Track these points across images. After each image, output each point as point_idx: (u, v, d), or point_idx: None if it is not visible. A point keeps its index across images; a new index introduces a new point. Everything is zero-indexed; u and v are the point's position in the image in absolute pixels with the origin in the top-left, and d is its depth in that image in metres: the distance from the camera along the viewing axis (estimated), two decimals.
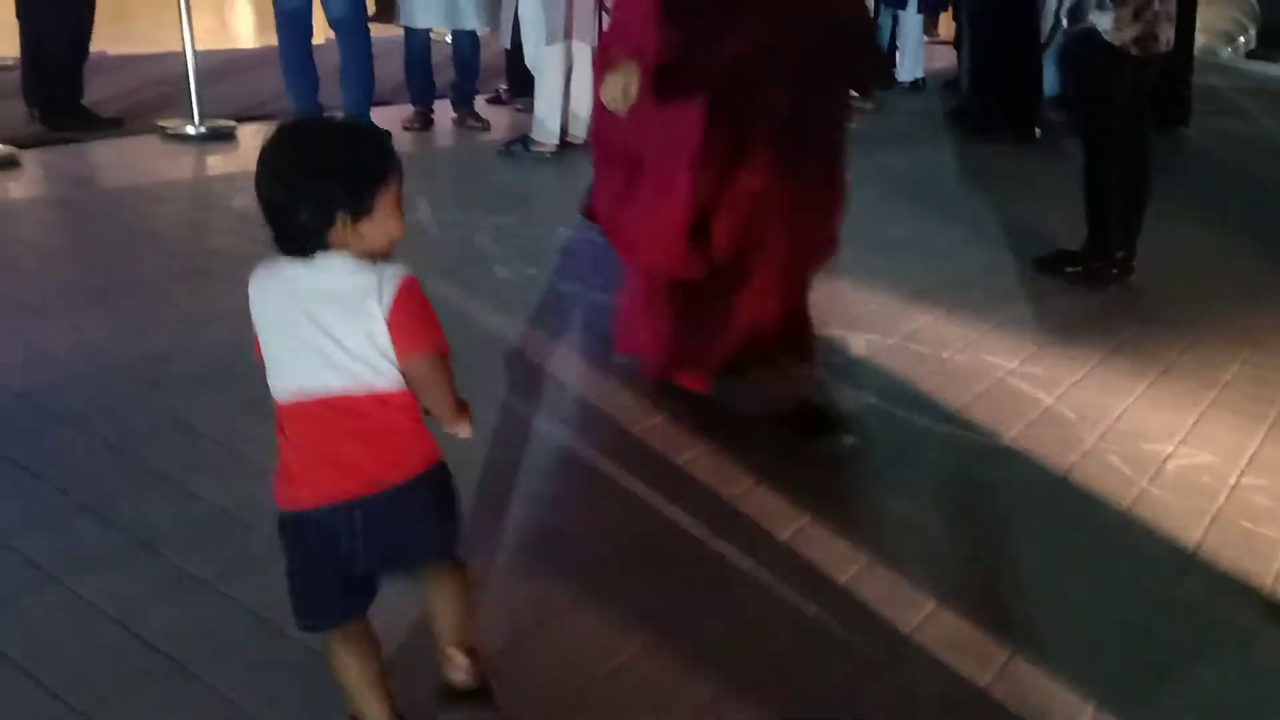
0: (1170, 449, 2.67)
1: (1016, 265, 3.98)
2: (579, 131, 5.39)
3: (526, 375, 2.91)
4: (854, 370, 3.02)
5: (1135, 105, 3.70)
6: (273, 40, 5.35)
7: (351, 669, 1.50)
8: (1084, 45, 3.73)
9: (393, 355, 1.39)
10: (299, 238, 1.38)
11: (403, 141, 5.47)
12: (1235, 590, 2.12)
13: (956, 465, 2.56)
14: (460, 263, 3.74)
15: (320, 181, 1.37)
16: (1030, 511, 2.37)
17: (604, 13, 5.21)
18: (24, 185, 4.43)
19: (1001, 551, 2.22)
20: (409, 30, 5.58)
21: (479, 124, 5.79)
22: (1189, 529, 2.31)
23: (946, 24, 8.25)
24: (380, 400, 1.41)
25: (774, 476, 2.42)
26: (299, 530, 1.46)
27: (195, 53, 5.27)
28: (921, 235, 4.33)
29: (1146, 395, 2.96)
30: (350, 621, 1.50)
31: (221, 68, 6.53)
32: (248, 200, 4.16)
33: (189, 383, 2.72)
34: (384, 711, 1.53)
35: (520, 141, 5.28)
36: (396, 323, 1.38)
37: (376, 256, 1.40)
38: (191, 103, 5.21)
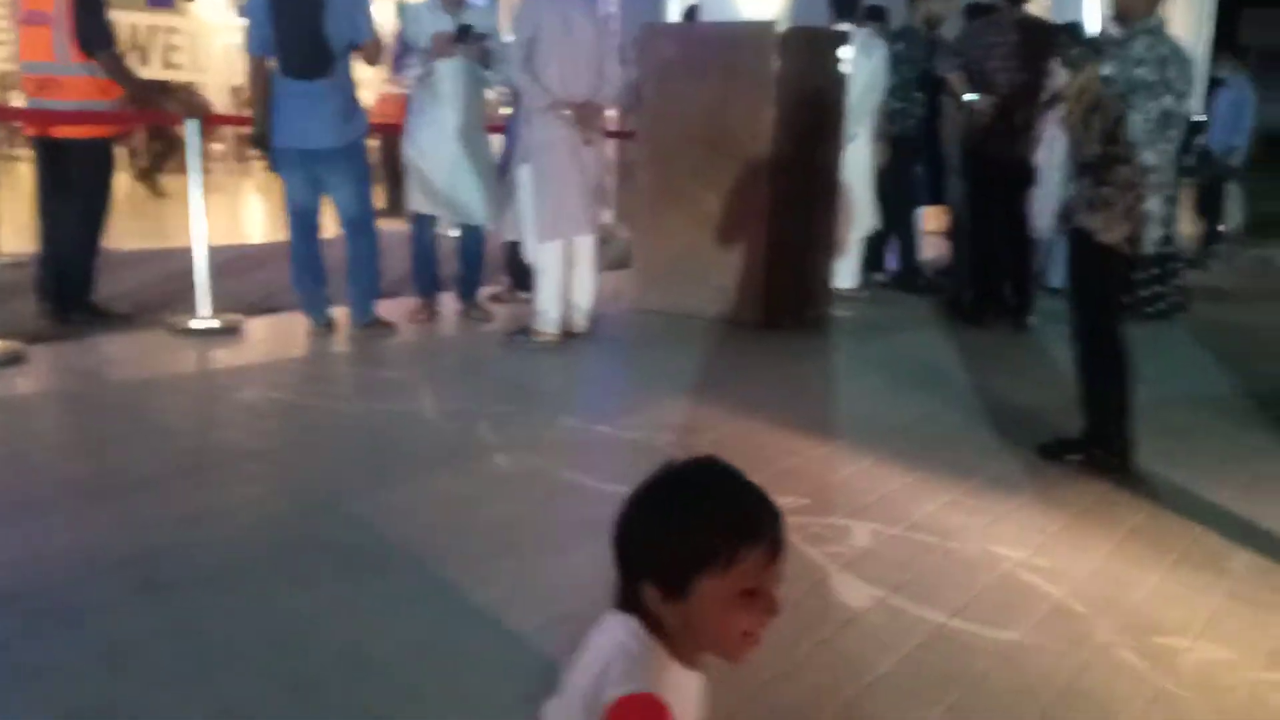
0: (1187, 644, 2.60)
1: (1019, 452, 3.97)
2: (579, 322, 5.50)
3: (527, 566, 2.86)
4: (858, 561, 2.98)
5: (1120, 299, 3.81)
6: (283, 236, 5.53)
7: None
8: (1076, 244, 3.85)
9: None
10: (627, 587, 1.21)
11: (408, 333, 5.57)
12: None
13: (964, 663, 2.48)
14: (461, 452, 3.75)
15: (641, 532, 1.20)
16: (1042, 713, 2.29)
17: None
18: (31, 380, 4.48)
19: None
20: (417, 224, 5.77)
21: (483, 315, 5.91)
22: None
23: (938, 215, 8.48)
24: None
25: (777, 679, 2.35)
26: None
27: (207, 248, 5.43)
28: (923, 422, 4.34)
29: (1159, 587, 2.90)
30: None
31: (232, 263, 6.71)
32: (255, 393, 4.28)
33: (185, 584, 2.68)
34: None
35: (523, 332, 5.38)
36: None
37: (695, 658, 1.21)
38: (202, 297, 5.34)
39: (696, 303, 6.01)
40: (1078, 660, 2.50)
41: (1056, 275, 7.22)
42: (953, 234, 7.09)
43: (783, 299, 5.98)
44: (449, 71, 5.43)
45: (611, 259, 7.01)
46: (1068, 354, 3.99)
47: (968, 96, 5.97)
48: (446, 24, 5.37)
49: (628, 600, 1.22)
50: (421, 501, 3.27)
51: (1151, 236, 3.71)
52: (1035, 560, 3.04)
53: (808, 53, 6.00)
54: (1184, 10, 15.35)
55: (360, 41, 5.18)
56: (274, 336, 5.42)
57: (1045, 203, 6.66)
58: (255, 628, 2.47)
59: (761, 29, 5.92)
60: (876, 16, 7.03)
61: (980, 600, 2.79)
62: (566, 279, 5.39)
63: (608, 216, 5.50)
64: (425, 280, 5.85)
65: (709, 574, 1.14)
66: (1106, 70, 3.69)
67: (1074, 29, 6.95)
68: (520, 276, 6.17)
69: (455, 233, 5.98)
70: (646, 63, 6.21)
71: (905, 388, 4.90)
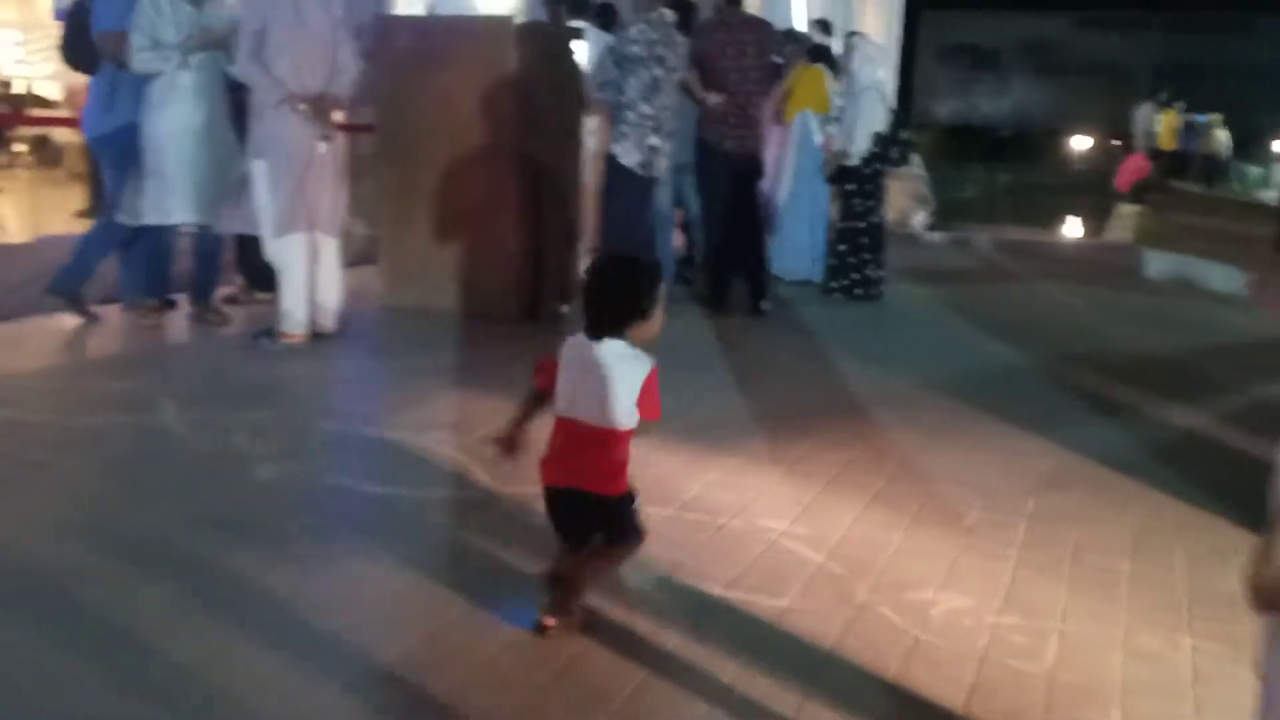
0: (932, 596, 2.87)
1: (770, 430, 4.22)
2: (326, 322, 5.34)
3: (302, 578, 2.78)
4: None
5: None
6: None
7: None
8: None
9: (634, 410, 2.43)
10: (612, 326, 2.41)
11: (139, 338, 5.23)
12: None
13: (742, 631, 2.64)
14: (216, 465, 3.57)
15: (647, 288, 2.44)
16: (814, 672, 2.48)
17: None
18: None
19: None
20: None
21: (218, 318, 5.61)
22: (962, 674, 2.49)
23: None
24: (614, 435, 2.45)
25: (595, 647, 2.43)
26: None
27: None
28: (681, 406, 4.50)
29: (903, 545, 3.19)
30: None
31: None
32: None
33: None
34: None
35: (267, 334, 5.16)
36: (644, 397, 2.42)
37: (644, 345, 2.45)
38: None
39: (447, 298, 5.98)
40: (842, 620, 2.72)
41: (783, 266, 7.68)
42: (685, 226, 7.35)
43: (534, 291, 6.04)
44: (191, 63, 5.18)
45: (351, 255, 6.82)
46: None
47: (702, 94, 6.22)
48: (188, 14, 5.16)
49: (603, 333, 2.43)
50: (181, 519, 3.10)
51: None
52: (795, 529, 3.27)
53: (545, 48, 6.07)
54: (874, 12, 16.61)
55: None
56: None
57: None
58: (7, 658, 2.29)
59: (499, 23, 5.95)
60: (607, 15, 7.19)
61: (751, 571, 2.97)
62: (311, 278, 5.22)
63: (343, 213, 5.37)
64: (157, 280, 5.51)
65: (657, 302, 2.45)
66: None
67: (792, 32, 7.41)
68: (255, 276, 5.91)
69: (187, 229, 5.64)
70: (382, 55, 6.09)
71: (659, 373, 5.07)
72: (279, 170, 5.02)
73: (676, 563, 2.98)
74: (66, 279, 5.40)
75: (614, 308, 2.40)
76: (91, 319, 5.43)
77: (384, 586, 2.77)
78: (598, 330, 2.42)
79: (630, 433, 2.46)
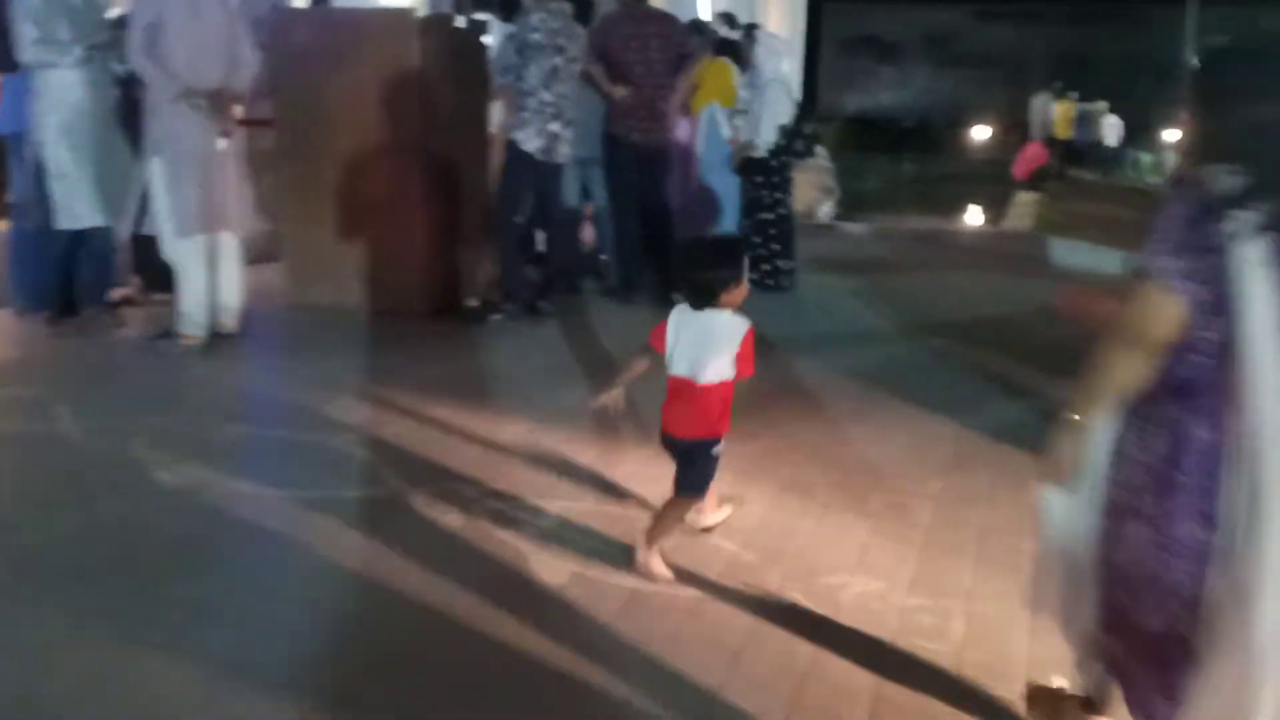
0: (843, 580, 2.92)
1: None
2: (227, 322, 5.21)
3: (209, 587, 2.72)
4: (555, 538, 3.09)
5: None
6: None
7: None
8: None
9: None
10: (710, 296, 2.80)
11: (27, 343, 5.04)
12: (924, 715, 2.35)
13: (658, 623, 2.66)
14: (115, 472, 3.47)
15: (734, 263, 2.87)
16: (730, 659, 2.50)
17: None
18: None
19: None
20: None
21: (113, 321, 5.43)
22: (873, 656, 2.53)
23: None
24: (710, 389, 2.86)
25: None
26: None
27: None
28: (594, 397, 4.51)
29: (814, 532, 3.24)
30: None
31: None
32: None
33: None
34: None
35: (166, 336, 5.02)
36: (743, 352, 2.82)
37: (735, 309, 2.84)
38: None
39: (353, 296, 5.87)
40: (755, 607, 2.75)
41: None
42: (593, 219, 7.33)
43: (442, 288, 5.98)
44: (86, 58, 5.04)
45: (252, 252, 6.68)
46: None
47: (609, 88, 6.21)
48: (76, 7, 4.99)
49: (702, 304, 2.82)
50: (83, 529, 3.01)
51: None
52: (710, 519, 3.29)
53: (448, 41, 6.01)
54: (778, 4, 16.77)
55: None
56: None
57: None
58: None
59: (399, 15, 5.87)
60: (510, 7, 7.13)
61: (670, 559, 2.97)
62: (211, 277, 5.09)
63: (248, 209, 5.25)
64: (53, 284, 5.32)
65: (744, 271, 2.85)
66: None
67: (698, 24, 7.44)
68: (152, 277, 5.74)
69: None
70: (280, 48, 5.95)
71: (573, 366, 5.07)
72: (178, 168, 4.89)
73: (591, 557, 2.98)
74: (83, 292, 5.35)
75: (707, 281, 2.80)
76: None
77: (295, 591, 2.73)
78: (697, 302, 2.82)
79: (721, 387, 2.84)
